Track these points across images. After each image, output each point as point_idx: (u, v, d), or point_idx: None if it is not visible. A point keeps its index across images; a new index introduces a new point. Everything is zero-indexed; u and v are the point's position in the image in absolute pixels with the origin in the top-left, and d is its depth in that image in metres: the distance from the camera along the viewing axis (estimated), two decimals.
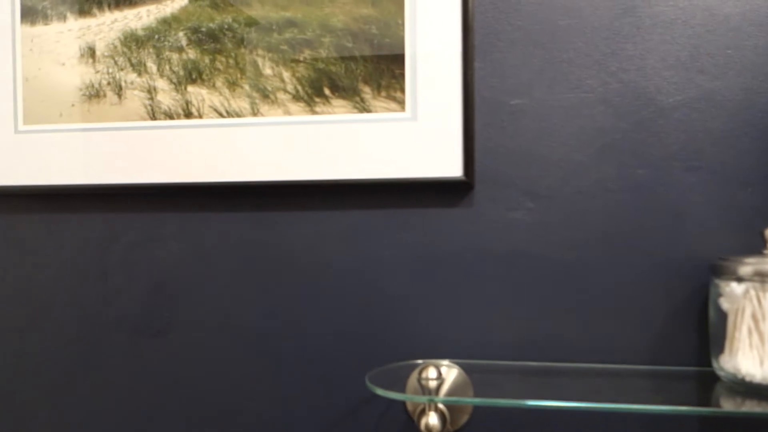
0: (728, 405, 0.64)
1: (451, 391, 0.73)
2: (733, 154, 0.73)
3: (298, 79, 0.81)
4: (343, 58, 0.80)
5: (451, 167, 0.77)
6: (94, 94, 0.86)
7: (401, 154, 0.78)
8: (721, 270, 0.66)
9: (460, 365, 0.76)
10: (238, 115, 0.83)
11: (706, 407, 0.65)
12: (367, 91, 0.80)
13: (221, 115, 0.83)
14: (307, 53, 0.81)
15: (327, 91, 0.81)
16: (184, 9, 0.85)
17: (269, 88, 0.82)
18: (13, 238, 0.89)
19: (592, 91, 0.75)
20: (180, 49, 0.84)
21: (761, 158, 0.72)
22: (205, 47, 0.84)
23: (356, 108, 0.80)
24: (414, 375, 0.74)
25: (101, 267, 0.87)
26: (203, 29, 0.84)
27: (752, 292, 0.63)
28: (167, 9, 0.85)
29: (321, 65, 0.81)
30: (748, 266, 0.63)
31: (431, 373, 0.69)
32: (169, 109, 0.84)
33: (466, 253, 0.78)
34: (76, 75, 0.87)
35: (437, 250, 0.78)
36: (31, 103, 0.88)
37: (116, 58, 0.86)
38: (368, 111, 0.79)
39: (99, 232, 0.87)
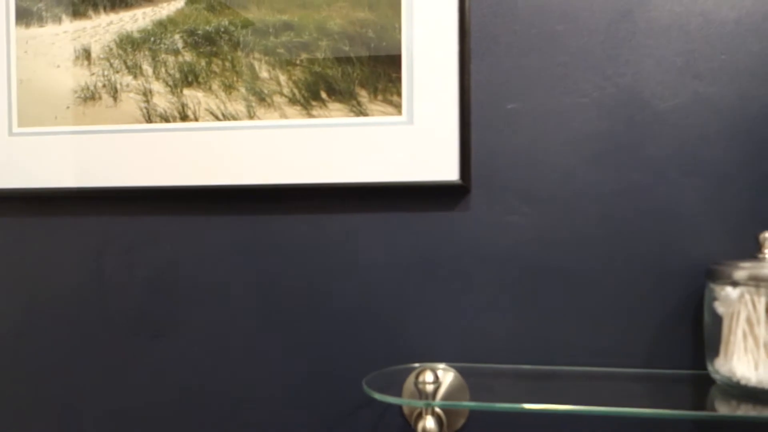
0: (724, 409, 0.64)
1: (448, 395, 0.73)
2: (728, 159, 0.73)
3: (294, 82, 0.81)
4: (339, 61, 0.80)
5: (448, 171, 0.77)
6: (89, 96, 0.86)
7: (398, 157, 0.78)
8: (716, 274, 0.66)
9: (457, 368, 0.76)
10: (235, 119, 0.82)
11: (701, 411, 0.65)
12: (363, 95, 0.80)
13: (217, 118, 0.83)
14: (303, 56, 0.81)
15: (323, 95, 0.81)
16: (180, 11, 0.84)
17: (265, 92, 0.82)
18: (8, 241, 0.89)
19: (588, 96, 0.76)
20: (176, 52, 0.84)
21: (755, 163, 0.73)
22: (202, 50, 0.83)
23: (353, 111, 0.80)
24: (411, 378, 0.74)
25: (97, 270, 0.86)
26: (199, 32, 0.84)
27: (747, 297, 0.63)
28: (163, 11, 0.85)
29: (317, 68, 0.81)
30: (743, 271, 0.64)
31: (428, 377, 0.69)
32: (165, 112, 0.84)
33: (463, 257, 0.78)
34: (71, 77, 0.86)
35: (434, 253, 0.79)
36: (25, 106, 0.87)
37: (112, 61, 0.86)
38: (365, 115, 0.79)
39: (94, 236, 0.87)
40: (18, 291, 0.88)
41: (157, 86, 0.84)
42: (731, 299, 0.64)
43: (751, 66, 0.73)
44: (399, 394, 0.74)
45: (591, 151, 0.76)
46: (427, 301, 0.79)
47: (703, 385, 0.68)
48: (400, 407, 0.78)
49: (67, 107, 0.86)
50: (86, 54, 0.86)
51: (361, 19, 0.80)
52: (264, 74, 0.82)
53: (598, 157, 0.75)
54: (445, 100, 0.77)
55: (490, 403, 0.65)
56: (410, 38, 0.78)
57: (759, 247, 0.66)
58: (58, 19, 0.87)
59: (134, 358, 0.85)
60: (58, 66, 0.87)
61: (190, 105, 0.84)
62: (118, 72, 0.85)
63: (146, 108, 0.85)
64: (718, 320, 0.66)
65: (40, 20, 0.87)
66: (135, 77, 0.85)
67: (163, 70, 0.84)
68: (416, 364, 0.77)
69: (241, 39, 0.82)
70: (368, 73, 0.80)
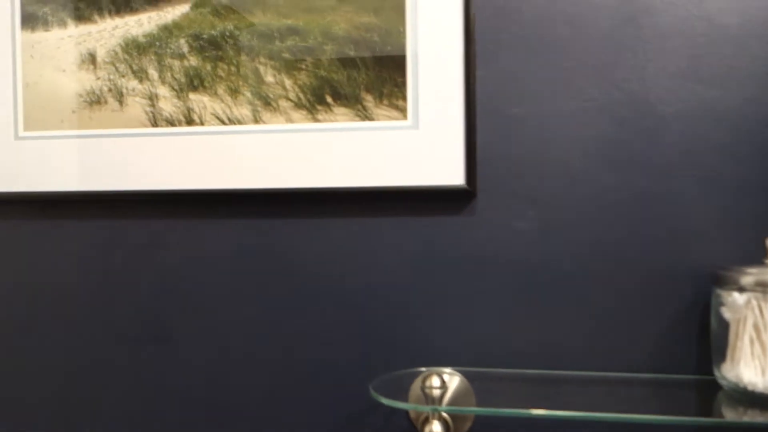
0: (730, 415, 0.64)
1: (454, 399, 0.73)
2: (733, 164, 0.73)
3: (299, 86, 0.81)
4: (344, 65, 0.80)
5: (454, 175, 0.78)
6: (95, 100, 0.86)
7: (403, 162, 0.78)
8: (722, 280, 0.66)
9: (462, 373, 0.76)
10: (240, 123, 0.83)
11: (708, 417, 0.65)
12: (369, 99, 0.80)
13: (223, 123, 0.83)
14: (308, 61, 0.81)
15: (329, 99, 0.81)
16: (185, 16, 0.84)
17: (271, 96, 0.82)
18: (14, 244, 0.89)
19: (593, 100, 0.76)
20: (181, 56, 0.84)
21: (761, 167, 0.73)
22: (207, 54, 0.84)
23: (358, 116, 0.80)
24: (417, 383, 0.75)
25: (102, 274, 0.87)
26: (205, 36, 0.84)
27: (754, 302, 0.63)
28: (168, 16, 0.85)
29: (323, 73, 0.81)
30: (749, 276, 0.64)
31: (435, 381, 0.69)
32: (171, 116, 0.84)
33: (469, 261, 0.78)
34: (77, 81, 0.87)
35: (439, 257, 0.79)
36: (31, 110, 0.88)
37: (117, 65, 0.86)
38: (370, 119, 0.80)
39: (99, 239, 0.87)
40: (23, 294, 0.88)
41: (162, 90, 0.85)
42: (738, 305, 0.64)
43: (756, 70, 0.73)
44: (405, 398, 0.74)
45: (596, 156, 0.76)
46: (433, 306, 0.79)
47: (709, 391, 0.68)
48: (406, 411, 0.78)
49: (73, 111, 0.87)
50: (92, 58, 0.86)
51: (366, 24, 0.80)
52: (269, 78, 0.82)
53: (603, 162, 0.75)
54: (450, 104, 0.78)
55: (498, 408, 0.65)
56: (415, 43, 0.78)
57: (765, 253, 0.66)
58: (63, 24, 0.87)
59: (139, 361, 0.86)
60: (64, 70, 0.87)
61: (196, 109, 0.84)
62: (123, 76, 0.86)
63: (152, 112, 0.85)
64: (724, 326, 0.66)
65: (46, 24, 0.88)
66: (141, 81, 0.85)
67: (168, 74, 0.84)
68: (422, 369, 0.77)
69: (247, 43, 0.83)
70: (373, 77, 0.80)
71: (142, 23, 0.85)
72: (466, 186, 0.77)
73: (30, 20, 0.88)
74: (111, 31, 0.86)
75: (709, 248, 0.73)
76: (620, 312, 0.75)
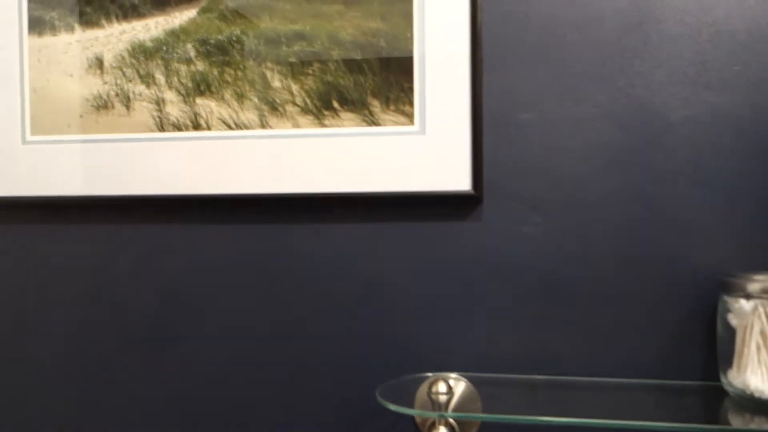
0: (737, 422, 0.64)
1: (460, 404, 0.74)
2: (740, 170, 0.73)
3: (306, 91, 0.82)
4: (351, 71, 0.81)
5: (460, 181, 0.78)
6: (102, 105, 0.86)
7: (410, 167, 0.79)
8: (729, 286, 0.66)
9: (468, 378, 0.76)
10: (247, 128, 0.83)
11: (715, 424, 0.65)
12: (375, 105, 0.80)
13: (230, 128, 0.83)
14: (315, 66, 0.81)
15: (336, 104, 0.81)
16: (192, 21, 0.85)
17: (278, 101, 0.82)
18: (21, 248, 0.89)
19: (600, 106, 0.76)
20: (188, 61, 0.85)
21: None
22: (214, 59, 0.84)
23: (365, 121, 0.80)
24: (423, 388, 0.75)
25: (108, 279, 0.87)
26: (212, 41, 0.84)
27: (761, 309, 0.63)
28: (175, 21, 0.85)
29: (330, 78, 0.81)
30: (756, 283, 0.64)
31: (441, 387, 0.69)
32: (178, 121, 0.85)
33: (475, 266, 0.78)
34: (84, 86, 0.87)
35: (446, 263, 0.79)
36: (38, 114, 0.88)
37: (124, 70, 0.86)
38: (377, 124, 0.80)
39: (106, 244, 0.87)
40: (30, 298, 0.89)
41: (169, 95, 0.85)
42: (745, 312, 0.64)
43: (763, 76, 0.73)
44: (411, 403, 0.74)
45: (603, 162, 0.76)
46: (438, 311, 0.79)
47: (715, 398, 0.69)
48: (412, 417, 0.78)
49: (80, 116, 0.87)
50: (99, 63, 0.87)
51: (373, 29, 0.80)
52: (276, 83, 0.82)
53: (610, 168, 0.76)
54: (457, 110, 0.78)
55: (504, 414, 0.65)
56: (422, 48, 0.79)
57: None
58: (70, 28, 0.87)
59: (144, 366, 0.86)
60: (71, 75, 0.87)
61: (203, 114, 0.84)
62: (130, 81, 0.86)
63: (159, 117, 0.85)
64: (731, 332, 0.66)
65: (53, 29, 0.88)
66: (148, 86, 0.85)
67: (175, 79, 0.85)
68: (428, 374, 0.77)
69: (254, 48, 0.83)
70: (380, 82, 0.80)
71: (149, 28, 0.86)
72: (472, 191, 0.77)
73: (37, 25, 0.88)
74: (118, 36, 0.86)
75: (716, 254, 0.73)
76: (626, 318, 0.75)
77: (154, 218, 0.86)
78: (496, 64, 0.78)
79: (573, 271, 0.76)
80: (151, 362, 0.86)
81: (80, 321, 0.87)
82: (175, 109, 0.85)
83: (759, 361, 0.63)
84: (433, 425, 0.71)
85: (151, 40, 0.86)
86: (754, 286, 0.64)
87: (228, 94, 0.83)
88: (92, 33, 0.87)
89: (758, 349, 0.63)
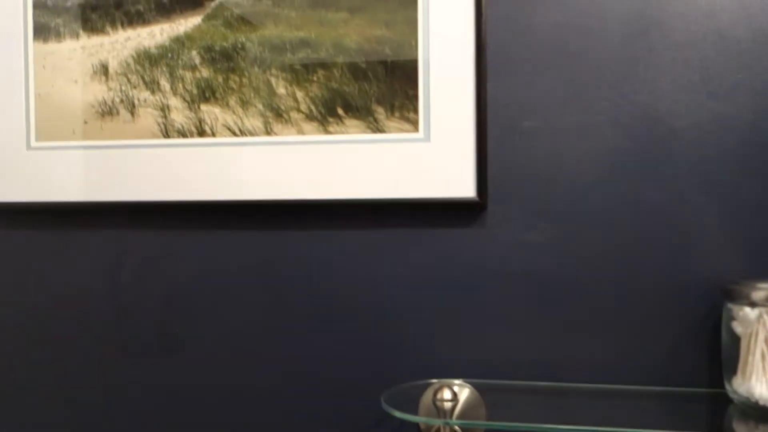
0: (742, 429, 0.65)
1: (465, 411, 0.74)
2: (744, 176, 0.73)
3: (311, 98, 0.82)
4: (356, 78, 0.81)
5: (464, 187, 0.78)
6: (107, 111, 0.87)
7: (415, 174, 0.79)
8: (734, 294, 0.66)
9: (473, 385, 0.76)
10: (252, 134, 0.83)
11: (719, 431, 0.66)
12: (380, 112, 0.80)
13: (234, 134, 0.83)
14: (320, 73, 0.82)
15: (340, 111, 0.81)
16: (197, 28, 0.85)
17: (283, 108, 0.82)
18: (26, 254, 0.89)
19: (604, 113, 0.76)
20: (193, 68, 0.85)
21: None
22: (219, 66, 0.84)
23: (369, 128, 0.80)
24: (428, 394, 0.75)
25: (113, 284, 0.87)
26: (216, 48, 0.84)
27: (765, 317, 0.63)
28: (180, 28, 0.85)
29: (334, 85, 0.81)
30: (761, 291, 0.64)
31: (446, 394, 0.69)
32: (183, 128, 0.85)
33: (479, 273, 0.78)
34: (89, 92, 0.87)
35: (450, 269, 0.79)
36: (43, 120, 0.88)
37: (129, 76, 0.86)
38: (382, 131, 0.80)
39: (111, 250, 0.87)
40: (35, 304, 0.89)
41: (174, 102, 0.85)
42: (749, 319, 0.64)
43: (767, 84, 0.73)
44: (416, 410, 0.74)
45: (607, 169, 0.76)
46: (443, 317, 0.79)
47: (720, 405, 0.69)
48: (416, 423, 0.78)
49: (85, 122, 0.87)
50: (104, 69, 0.87)
51: (378, 37, 0.80)
52: (281, 90, 0.82)
53: (614, 175, 0.76)
54: (461, 117, 0.78)
55: (510, 422, 0.66)
56: (427, 56, 0.79)
57: None
58: (75, 35, 0.88)
59: (149, 373, 0.86)
60: (76, 81, 0.88)
61: (208, 120, 0.84)
62: (135, 87, 0.86)
63: (164, 123, 0.85)
64: (735, 340, 0.66)
65: (58, 36, 0.88)
66: (152, 93, 0.86)
67: (180, 85, 0.85)
68: (433, 380, 0.78)
69: (258, 55, 0.83)
70: (385, 89, 0.80)
71: (154, 35, 0.86)
72: (476, 198, 0.77)
73: (42, 31, 0.88)
74: (123, 43, 0.87)
75: (720, 262, 0.73)
76: (631, 324, 0.75)
77: (159, 224, 0.86)
78: (500, 72, 0.78)
79: (577, 277, 0.76)
80: (155, 367, 0.86)
81: (84, 326, 0.88)
82: (179, 115, 0.85)
83: (764, 368, 0.63)
84: (438, 431, 0.71)
85: (156, 47, 0.86)
86: (758, 294, 0.64)
87: (233, 101, 0.84)
88: (97, 39, 0.87)
89: (763, 356, 0.63)
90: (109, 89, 0.87)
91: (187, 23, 0.85)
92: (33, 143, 0.89)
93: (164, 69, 0.85)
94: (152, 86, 0.86)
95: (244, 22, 0.84)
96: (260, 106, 0.83)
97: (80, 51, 0.88)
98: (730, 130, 0.74)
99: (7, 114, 0.89)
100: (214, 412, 0.84)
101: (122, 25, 0.87)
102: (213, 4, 0.84)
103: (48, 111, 0.88)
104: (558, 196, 0.77)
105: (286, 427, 0.83)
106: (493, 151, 0.78)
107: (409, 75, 0.79)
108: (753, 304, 0.64)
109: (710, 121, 0.74)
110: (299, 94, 0.82)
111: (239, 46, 0.84)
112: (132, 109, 0.86)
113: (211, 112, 0.84)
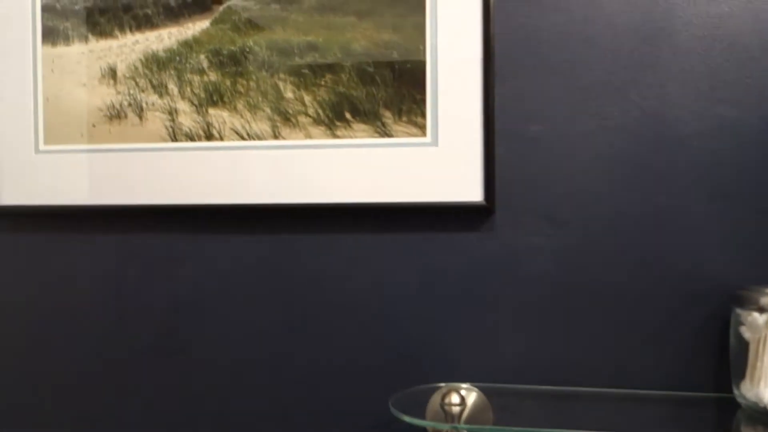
0: None
1: (472, 415, 0.74)
2: (753, 183, 0.74)
3: (319, 102, 0.82)
4: (364, 82, 0.81)
5: (472, 192, 0.78)
6: (115, 115, 0.87)
7: (422, 178, 0.79)
8: (742, 299, 0.66)
9: (480, 389, 0.76)
10: (259, 138, 0.83)
11: None
12: (388, 116, 0.80)
13: (242, 138, 0.84)
14: (328, 77, 0.82)
15: (348, 115, 0.81)
16: (205, 32, 0.85)
17: (290, 112, 0.83)
18: (34, 257, 0.89)
19: (612, 119, 0.76)
20: (201, 72, 0.85)
21: None
22: (227, 70, 0.84)
23: (377, 132, 0.80)
24: (435, 398, 0.75)
25: (119, 287, 0.87)
26: (225, 52, 0.84)
27: None
28: (189, 32, 0.86)
29: (342, 89, 0.81)
30: None
31: (454, 398, 0.69)
32: (190, 131, 0.85)
33: (487, 277, 0.79)
34: (97, 96, 0.87)
35: (458, 273, 0.79)
36: (51, 124, 0.88)
37: (137, 80, 0.86)
38: (389, 135, 0.80)
39: (118, 253, 0.87)
40: (41, 305, 0.89)
41: (182, 105, 0.85)
42: (758, 325, 0.64)
43: None
44: (423, 414, 0.74)
45: (615, 174, 0.76)
46: (450, 321, 0.79)
47: (728, 409, 0.69)
48: (424, 427, 0.78)
49: (93, 125, 0.87)
50: (112, 73, 0.87)
51: (386, 41, 0.80)
52: (289, 94, 0.83)
53: (621, 180, 0.76)
54: (469, 121, 0.78)
55: (517, 427, 0.66)
56: (434, 60, 0.79)
57: None
58: (84, 39, 0.88)
59: (154, 374, 0.86)
60: (84, 84, 0.88)
61: (216, 124, 0.84)
62: (143, 91, 0.86)
63: (172, 127, 0.85)
64: (744, 345, 0.66)
65: (66, 39, 0.88)
66: (161, 96, 0.86)
67: (188, 89, 0.85)
68: (441, 384, 0.78)
69: (266, 59, 0.83)
70: (392, 94, 0.80)
71: (162, 38, 0.86)
72: (484, 203, 0.77)
73: (51, 35, 0.89)
74: (131, 46, 0.87)
75: (728, 267, 0.73)
76: (638, 329, 0.75)
77: (166, 227, 0.86)
78: (508, 77, 0.78)
79: (584, 282, 0.77)
80: (159, 370, 0.86)
81: (89, 328, 0.88)
82: (187, 119, 0.85)
83: None
84: None
85: (165, 51, 0.86)
86: (766, 300, 0.64)
87: (241, 105, 0.84)
88: (105, 43, 0.88)
89: None
90: (117, 93, 0.87)
91: (195, 27, 0.85)
92: (41, 146, 0.89)
93: (172, 73, 0.86)
94: (160, 90, 0.86)
95: (252, 26, 0.84)
96: (268, 110, 0.83)
97: (88, 54, 0.88)
98: (738, 136, 0.74)
99: (16, 117, 0.89)
100: (219, 415, 0.85)
101: (130, 29, 0.87)
102: (221, 8, 0.85)
103: (56, 114, 0.88)
104: (565, 201, 0.77)
105: (290, 430, 0.83)
106: (500, 155, 0.78)
107: (416, 79, 0.80)
108: (761, 310, 0.64)
109: (718, 128, 0.74)
110: (307, 98, 0.82)
111: (247, 50, 0.84)
112: (140, 112, 0.86)
113: (218, 115, 0.84)
